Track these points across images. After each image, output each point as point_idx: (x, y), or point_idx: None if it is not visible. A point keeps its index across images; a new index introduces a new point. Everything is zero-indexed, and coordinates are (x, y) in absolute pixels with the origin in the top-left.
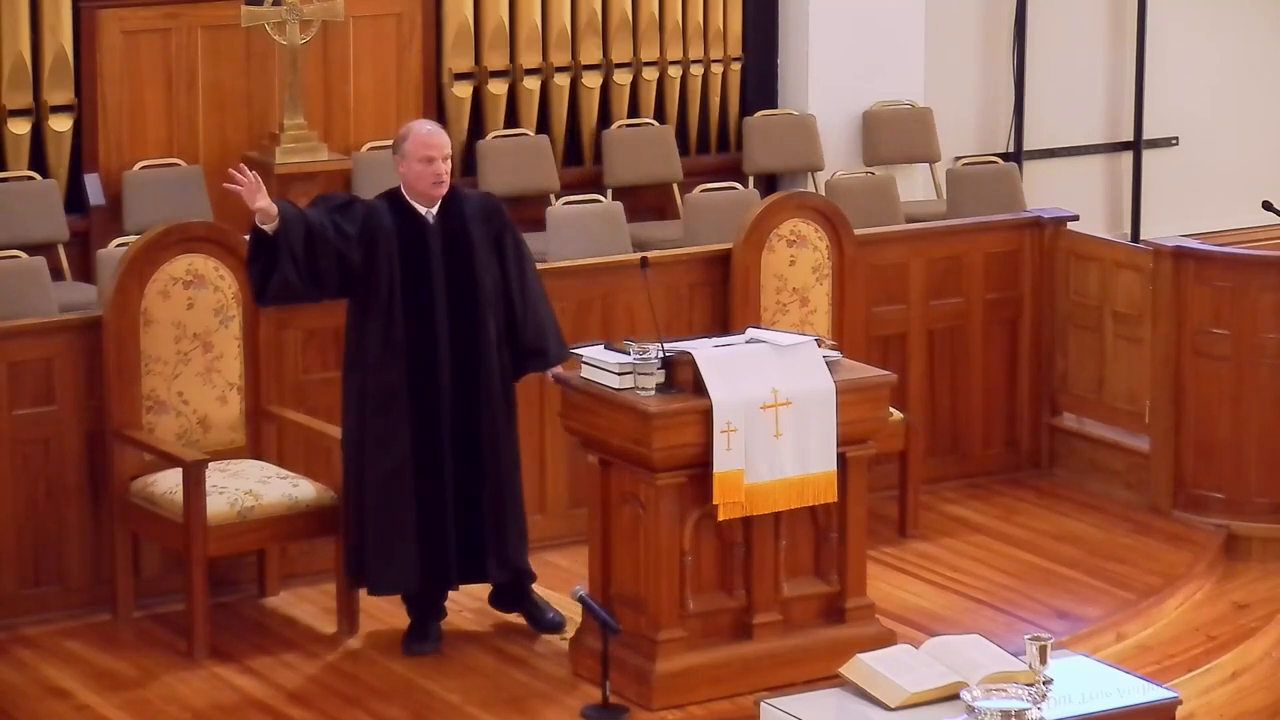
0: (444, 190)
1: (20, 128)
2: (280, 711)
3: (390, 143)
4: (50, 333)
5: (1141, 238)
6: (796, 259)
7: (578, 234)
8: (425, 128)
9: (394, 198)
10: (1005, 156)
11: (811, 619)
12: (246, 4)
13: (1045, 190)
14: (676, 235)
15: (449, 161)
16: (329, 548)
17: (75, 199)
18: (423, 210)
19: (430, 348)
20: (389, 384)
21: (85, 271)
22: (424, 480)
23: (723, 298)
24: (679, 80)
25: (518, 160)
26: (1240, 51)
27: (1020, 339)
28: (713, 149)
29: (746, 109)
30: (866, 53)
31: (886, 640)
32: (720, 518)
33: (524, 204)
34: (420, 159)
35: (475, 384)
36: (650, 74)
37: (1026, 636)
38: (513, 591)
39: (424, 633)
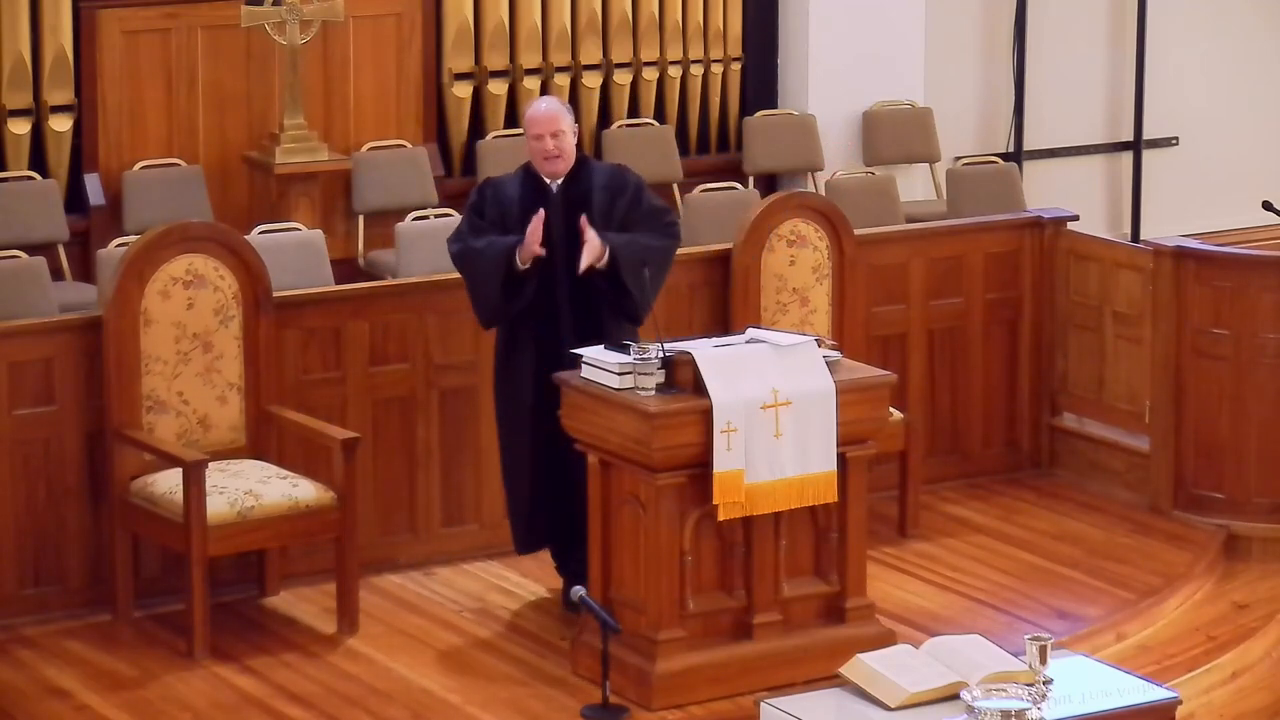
0: (557, 165)
1: (20, 128)
2: (280, 711)
3: (390, 142)
4: (50, 333)
5: (1141, 238)
6: (796, 259)
7: None
8: (536, 106)
9: (527, 169)
10: (1005, 156)
11: (811, 619)
12: (246, 4)
13: (1045, 190)
14: None
15: (559, 137)
16: (329, 548)
17: (75, 199)
18: (548, 181)
19: (552, 308)
20: (517, 340)
21: (85, 271)
22: (545, 445)
23: (723, 298)
24: (679, 80)
25: (518, 160)
26: (1240, 51)
27: (1020, 339)
28: (713, 149)
29: (746, 109)
30: (866, 53)
31: (886, 640)
32: (720, 518)
33: None
34: (531, 136)
35: (595, 339)
36: (650, 74)
37: (1026, 636)
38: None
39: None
